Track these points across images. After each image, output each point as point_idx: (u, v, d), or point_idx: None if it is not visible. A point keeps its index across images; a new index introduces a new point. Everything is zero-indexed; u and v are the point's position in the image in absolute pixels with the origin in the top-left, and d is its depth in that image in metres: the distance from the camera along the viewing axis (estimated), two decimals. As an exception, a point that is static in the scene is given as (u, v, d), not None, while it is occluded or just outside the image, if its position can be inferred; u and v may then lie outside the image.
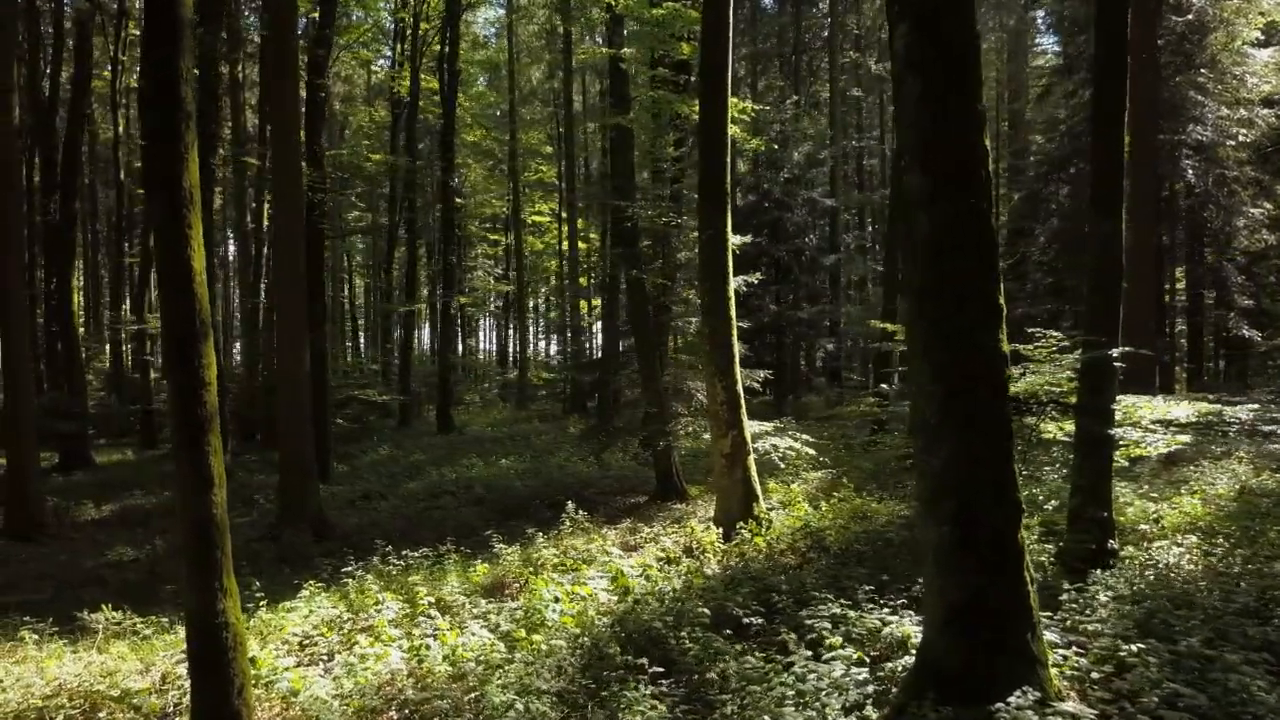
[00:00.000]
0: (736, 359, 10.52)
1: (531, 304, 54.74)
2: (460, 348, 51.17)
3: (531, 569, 8.81)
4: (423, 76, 31.08)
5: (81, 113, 23.26)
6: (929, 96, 4.87)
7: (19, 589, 10.34)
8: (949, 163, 4.86)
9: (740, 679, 5.07)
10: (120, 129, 31.59)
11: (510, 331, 55.65)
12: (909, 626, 5.85)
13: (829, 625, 6.12)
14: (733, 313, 10.51)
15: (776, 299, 25.96)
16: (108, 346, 35.71)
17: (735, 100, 14.94)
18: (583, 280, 41.58)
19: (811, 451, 12.49)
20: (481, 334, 68.94)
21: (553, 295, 55.91)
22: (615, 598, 7.53)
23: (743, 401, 10.51)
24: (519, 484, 16.05)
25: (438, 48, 31.58)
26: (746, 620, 6.68)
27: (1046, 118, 29.45)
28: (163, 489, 18.23)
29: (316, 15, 19.06)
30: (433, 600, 7.30)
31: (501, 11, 41.02)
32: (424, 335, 49.97)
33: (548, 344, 60.88)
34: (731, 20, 10.76)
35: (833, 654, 5.25)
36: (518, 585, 8.55)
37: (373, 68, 45.43)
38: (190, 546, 5.00)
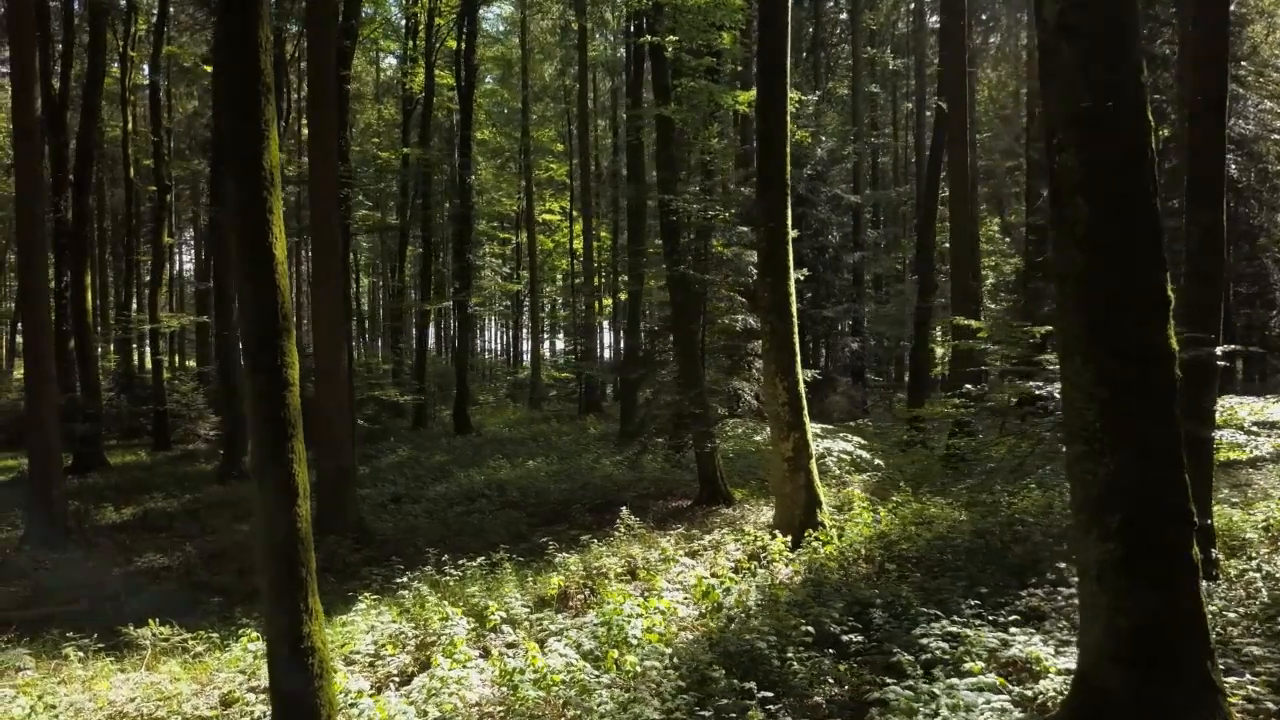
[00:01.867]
0: (798, 358, 10.07)
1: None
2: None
3: (595, 578, 8.36)
4: (437, 72, 30.60)
5: (95, 107, 22.77)
6: (1088, 65, 4.41)
7: (52, 599, 9.87)
8: (1111, 139, 4.40)
9: (884, 709, 4.60)
10: (129, 126, 31.17)
11: (522, 331, 55.24)
12: (1039, 647, 5.40)
13: (945, 644, 5.69)
14: (794, 309, 10.06)
15: (800, 297, 25.46)
16: (112, 345, 35.30)
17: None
18: (595, 280, 41.11)
19: (867, 455, 12.05)
20: (486, 334, 68.51)
21: (558, 295, 55.51)
22: (696, 612, 7.09)
23: (805, 402, 10.06)
24: (552, 487, 15.59)
25: (453, 44, 31.10)
26: (845, 638, 6.24)
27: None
28: (183, 491, 17.78)
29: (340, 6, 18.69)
30: (504, 615, 6.83)
31: (513, 8, 40.57)
32: (427, 335, 49.54)
33: (552, 344, 60.47)
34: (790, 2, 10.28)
35: (973, 679, 4.79)
36: (583, 596, 8.11)
37: (381, 65, 45.05)
38: (273, 563, 4.55)
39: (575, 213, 46.64)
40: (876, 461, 12.33)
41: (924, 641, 5.73)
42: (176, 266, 50.04)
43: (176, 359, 47.08)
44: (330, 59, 12.15)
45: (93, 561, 11.94)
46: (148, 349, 35.53)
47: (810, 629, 6.07)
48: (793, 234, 10.77)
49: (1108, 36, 4.40)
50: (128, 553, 12.39)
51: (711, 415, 13.13)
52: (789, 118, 10.26)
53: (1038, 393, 8.49)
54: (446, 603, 7.54)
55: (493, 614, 6.82)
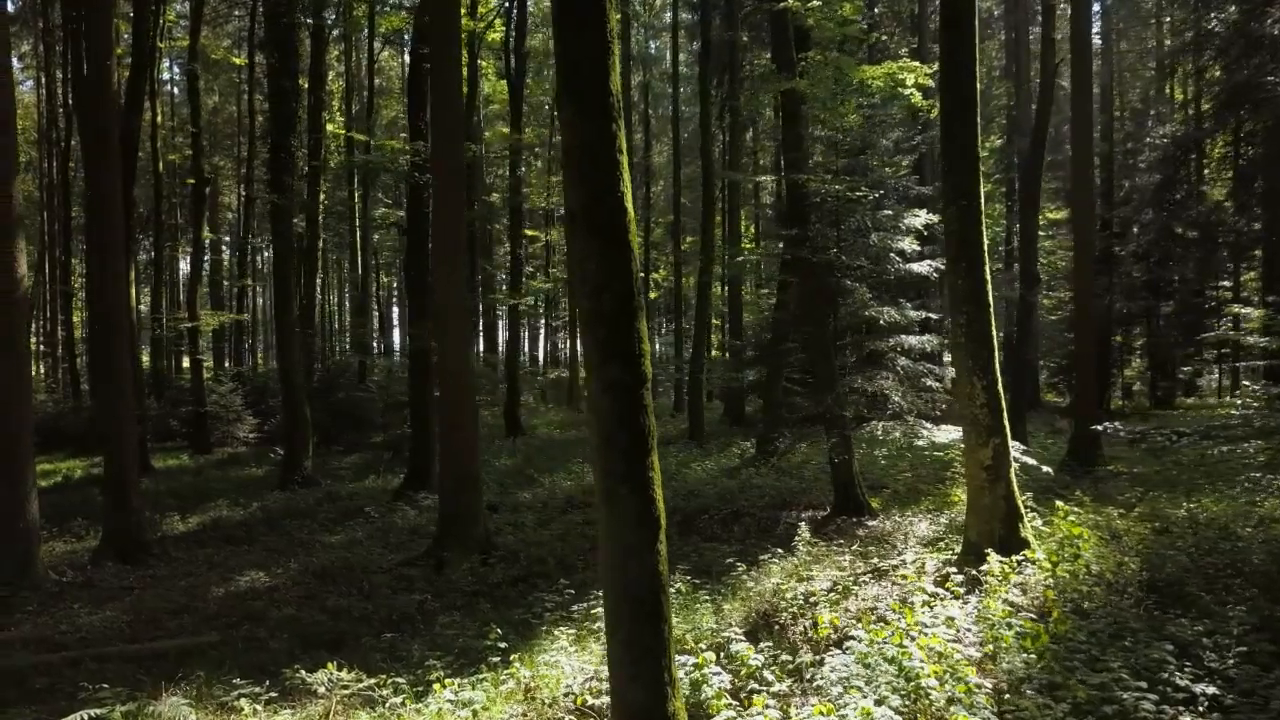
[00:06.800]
0: (996, 353, 8.97)
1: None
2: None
3: (807, 606, 7.27)
4: (480, 62, 29.47)
5: (139, 94, 21.56)
6: None
7: (161, 625, 8.70)
8: None
9: None
10: (158, 118, 30.06)
11: (550, 331, 54.24)
12: None
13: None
14: (990, 299, 8.94)
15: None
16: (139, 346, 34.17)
17: (919, 65, 13.44)
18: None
19: (1032, 462, 10.96)
20: (498, 334, 67.30)
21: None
22: (975, 652, 5.98)
23: (1004, 403, 8.96)
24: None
25: (491, 36, 29.98)
26: (1197, 688, 5.14)
27: (1137, 103, 27.97)
28: (246, 499, 16.65)
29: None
30: (761, 659, 5.71)
31: (549, -3, 39.50)
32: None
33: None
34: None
35: None
36: (802, 628, 7.01)
37: (404, 59, 43.88)
38: (629, 618, 3.43)
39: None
40: (1044, 469, 11.23)
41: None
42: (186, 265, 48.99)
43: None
44: (455, 33, 11.02)
45: (183, 579, 10.79)
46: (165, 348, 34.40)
47: (1178, 680, 4.97)
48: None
49: None
50: (219, 569, 11.24)
51: (847, 419, 12.01)
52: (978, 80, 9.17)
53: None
54: (699, 643, 6.44)
55: (748, 658, 5.69)
